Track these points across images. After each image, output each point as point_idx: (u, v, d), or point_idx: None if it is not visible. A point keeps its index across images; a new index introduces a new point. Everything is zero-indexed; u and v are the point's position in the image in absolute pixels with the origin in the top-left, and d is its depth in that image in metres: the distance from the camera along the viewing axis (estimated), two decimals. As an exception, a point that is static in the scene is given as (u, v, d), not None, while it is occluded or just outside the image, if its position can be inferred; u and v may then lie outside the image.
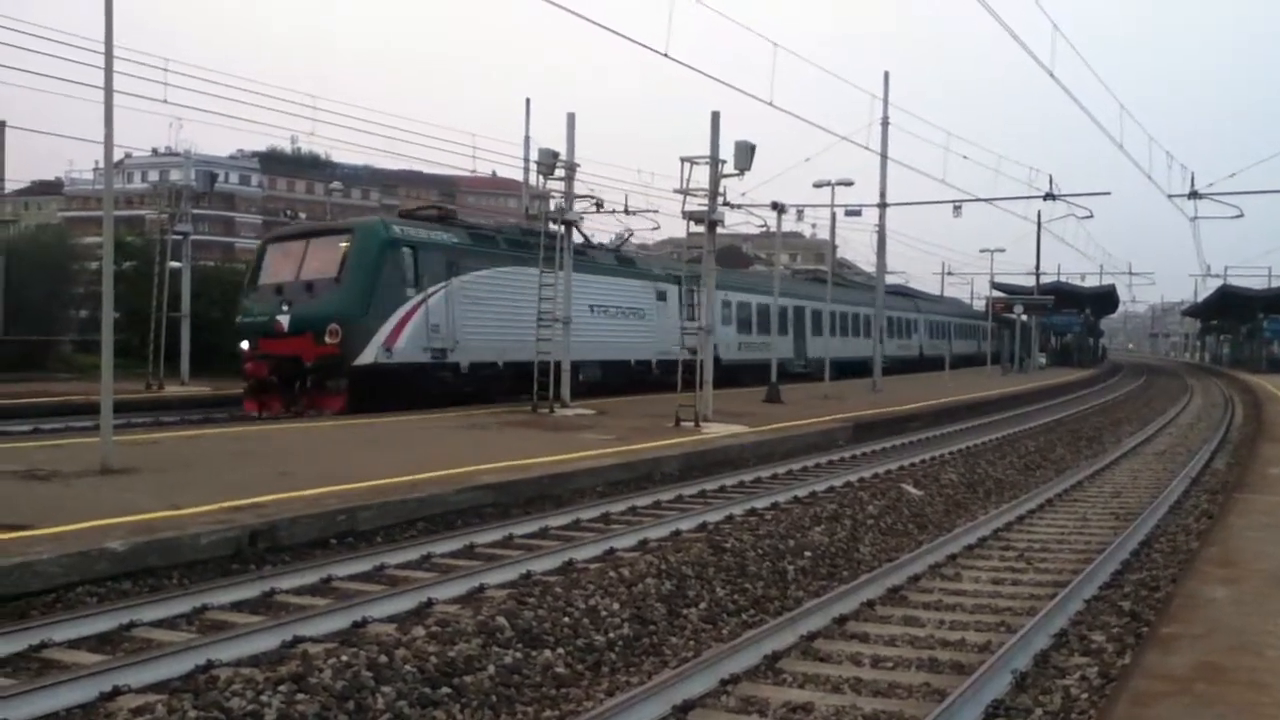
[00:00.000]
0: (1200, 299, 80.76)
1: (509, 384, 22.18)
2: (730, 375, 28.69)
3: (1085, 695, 5.82)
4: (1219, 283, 66.13)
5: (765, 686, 5.97)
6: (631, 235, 31.58)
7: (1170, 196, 30.24)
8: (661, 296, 27.90)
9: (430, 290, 20.22)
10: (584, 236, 25.82)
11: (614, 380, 25.06)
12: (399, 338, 19.45)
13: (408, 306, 19.71)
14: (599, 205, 23.72)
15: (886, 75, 31.97)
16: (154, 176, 75.61)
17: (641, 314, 27.09)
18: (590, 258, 25.26)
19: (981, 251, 76.75)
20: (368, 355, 18.90)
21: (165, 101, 22.89)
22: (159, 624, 6.76)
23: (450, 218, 23.37)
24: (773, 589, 8.37)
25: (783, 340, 33.75)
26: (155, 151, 76.82)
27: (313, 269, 19.70)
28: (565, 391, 20.03)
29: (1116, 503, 13.12)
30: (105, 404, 10.86)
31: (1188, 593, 6.79)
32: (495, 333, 21.57)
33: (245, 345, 19.45)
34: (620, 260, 27.61)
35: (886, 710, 5.65)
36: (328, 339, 18.66)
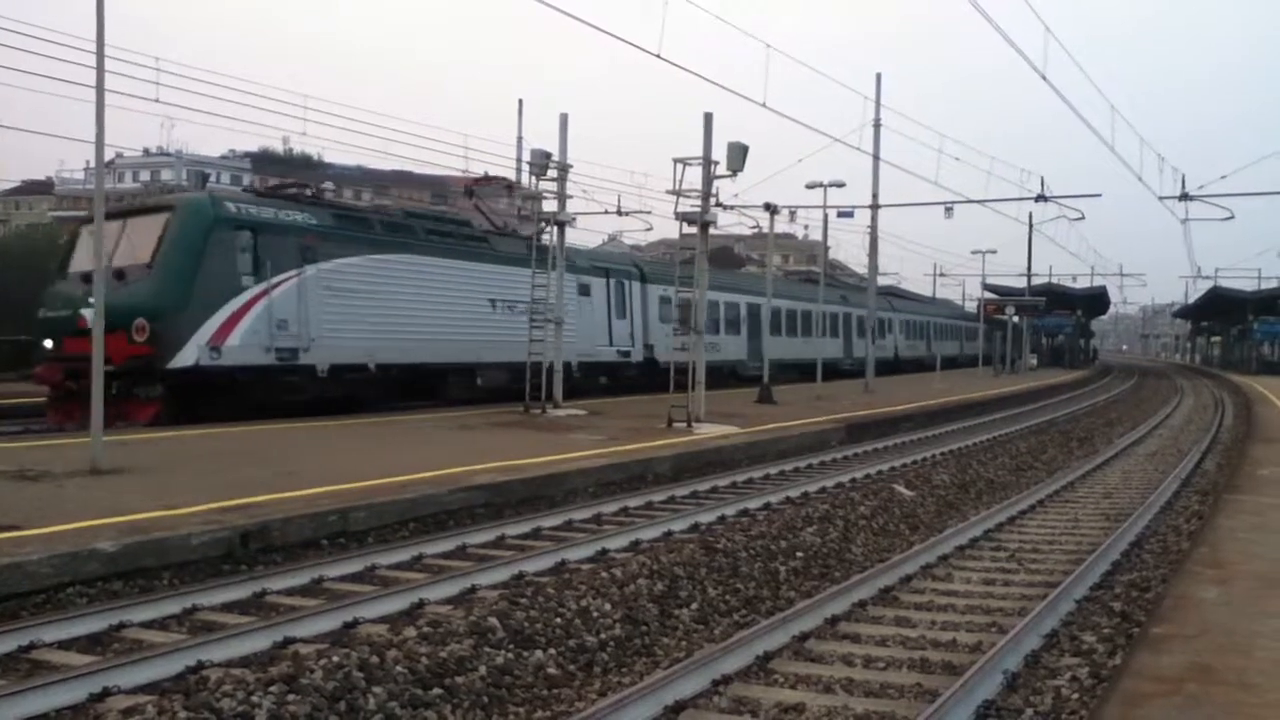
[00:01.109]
0: (1191, 300, 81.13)
1: (385, 390, 19.79)
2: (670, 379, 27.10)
3: (1076, 695, 5.83)
4: (1209, 284, 66.51)
5: (757, 687, 5.98)
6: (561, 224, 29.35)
7: (1161, 198, 30.41)
8: (584, 291, 24.94)
9: (277, 279, 17.32)
10: (489, 221, 23.89)
11: (523, 385, 21.96)
12: (230, 335, 16.61)
13: (243, 298, 16.80)
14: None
15: (879, 77, 32.17)
16: (145, 176, 75.49)
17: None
18: (491, 245, 22.48)
19: (973, 253, 76.87)
20: (186, 356, 16.02)
21: (157, 101, 22.91)
22: (149, 625, 6.74)
23: (316, 197, 20.21)
24: (765, 589, 8.38)
25: (734, 340, 31.68)
26: (146, 151, 76.80)
27: (125, 253, 16.64)
28: (558, 392, 20.03)
29: (1107, 503, 13.15)
30: (96, 404, 10.82)
31: (1178, 593, 6.81)
32: (366, 330, 18.86)
33: (49, 344, 16.57)
34: (532, 249, 24.11)
35: (878, 710, 5.65)
36: (136, 337, 15.71)
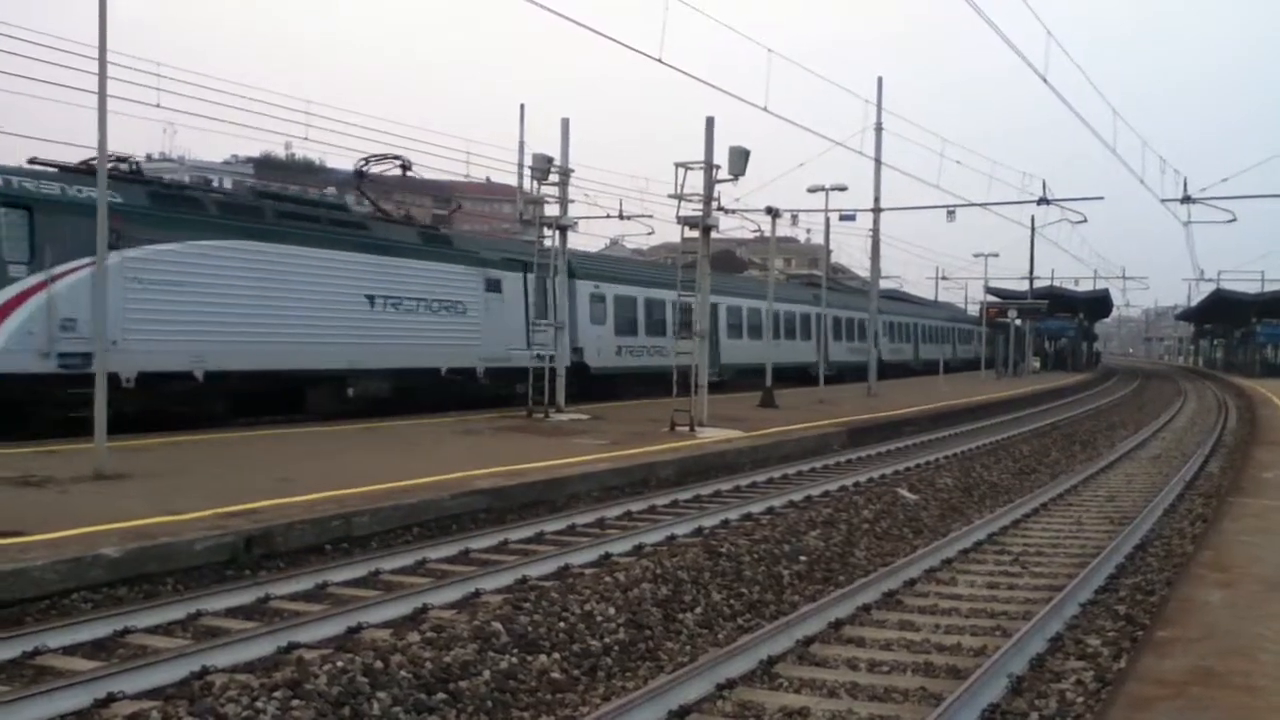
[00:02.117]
0: (1194, 303, 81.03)
1: (219, 403, 16.67)
2: (604, 388, 23.88)
3: (1081, 699, 5.82)
4: (1212, 287, 66.39)
5: (761, 691, 5.98)
6: (459, 208, 24.71)
7: (1164, 201, 30.37)
8: (494, 287, 21.64)
9: (62, 268, 14.16)
10: (375, 206, 21.25)
11: (417, 394, 19.87)
12: None
13: (12, 291, 13.78)
14: (405, 169, 20.77)
15: (880, 81, 32.11)
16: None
17: (460, 309, 20.73)
18: (371, 232, 19.37)
19: (976, 256, 76.79)
20: None
21: (159, 106, 22.96)
22: (154, 630, 6.75)
23: (134, 173, 16.77)
24: (769, 593, 8.38)
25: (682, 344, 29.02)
26: (149, 157, 76.89)
27: None
28: (560, 396, 20.04)
29: (1111, 507, 13.14)
30: (99, 409, 10.83)
31: (1182, 597, 6.81)
32: (190, 331, 15.71)
33: None
34: (427, 238, 21.01)
35: (883, 715, 5.65)
36: None
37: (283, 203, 18.45)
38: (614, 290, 26.12)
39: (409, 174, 21.54)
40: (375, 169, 21.45)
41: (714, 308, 30.30)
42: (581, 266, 25.67)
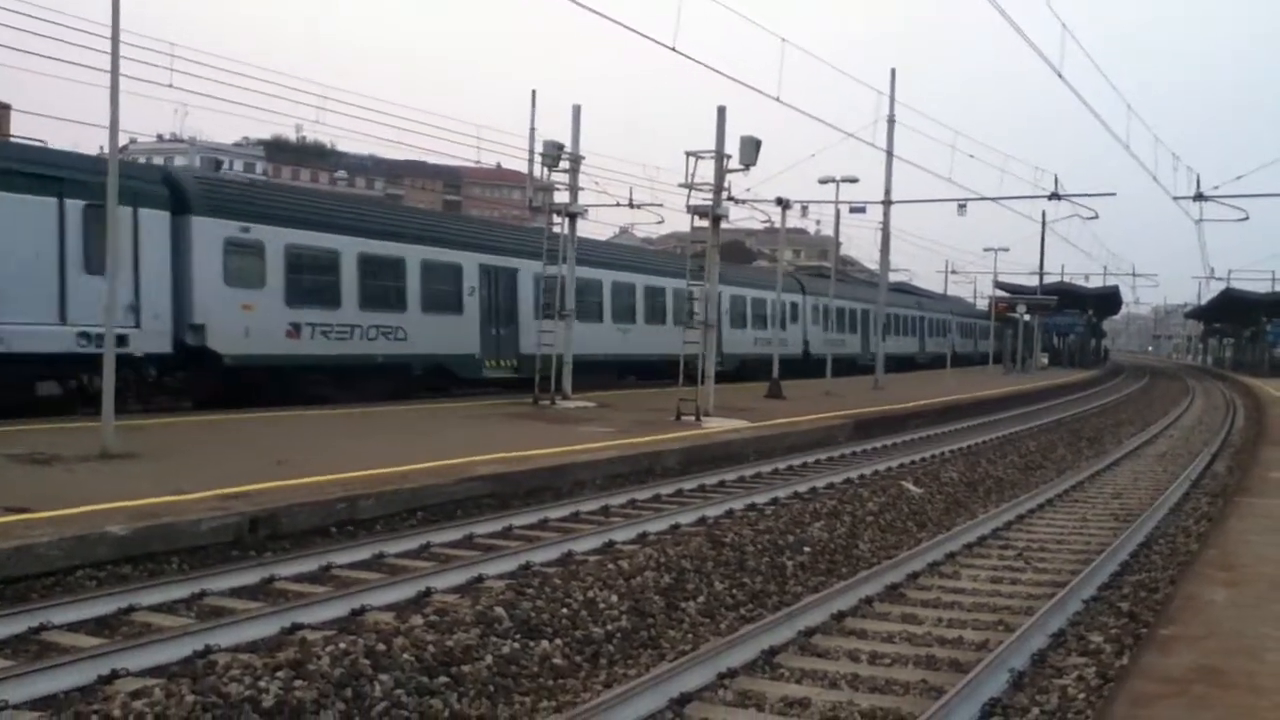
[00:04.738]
0: (1204, 301, 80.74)
1: None
2: (271, 384, 17.09)
3: (1083, 695, 5.81)
4: (1223, 285, 66.19)
5: (763, 681, 5.98)
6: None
7: (1176, 198, 30.24)
8: (100, 224, 12.49)
9: None
10: None
11: None
12: None
13: None
14: None
15: (893, 72, 31.92)
16: (158, 163, 75.67)
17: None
18: None
19: (986, 250, 76.35)
20: None
21: (171, 87, 22.85)
22: (158, 608, 6.78)
23: None
24: (771, 584, 8.38)
25: (452, 325, 20.83)
26: (160, 138, 77.08)
27: None
28: (566, 384, 20.04)
29: (1116, 504, 13.11)
30: (107, 388, 10.86)
31: (1187, 595, 6.79)
32: None
33: None
34: None
35: (883, 707, 5.65)
36: None
37: None
38: (285, 237, 17.45)
39: None
40: None
41: (508, 274, 22.37)
42: (205, 197, 16.56)
